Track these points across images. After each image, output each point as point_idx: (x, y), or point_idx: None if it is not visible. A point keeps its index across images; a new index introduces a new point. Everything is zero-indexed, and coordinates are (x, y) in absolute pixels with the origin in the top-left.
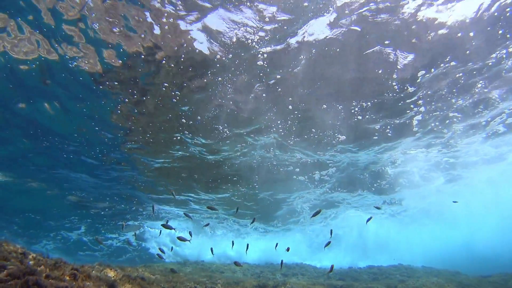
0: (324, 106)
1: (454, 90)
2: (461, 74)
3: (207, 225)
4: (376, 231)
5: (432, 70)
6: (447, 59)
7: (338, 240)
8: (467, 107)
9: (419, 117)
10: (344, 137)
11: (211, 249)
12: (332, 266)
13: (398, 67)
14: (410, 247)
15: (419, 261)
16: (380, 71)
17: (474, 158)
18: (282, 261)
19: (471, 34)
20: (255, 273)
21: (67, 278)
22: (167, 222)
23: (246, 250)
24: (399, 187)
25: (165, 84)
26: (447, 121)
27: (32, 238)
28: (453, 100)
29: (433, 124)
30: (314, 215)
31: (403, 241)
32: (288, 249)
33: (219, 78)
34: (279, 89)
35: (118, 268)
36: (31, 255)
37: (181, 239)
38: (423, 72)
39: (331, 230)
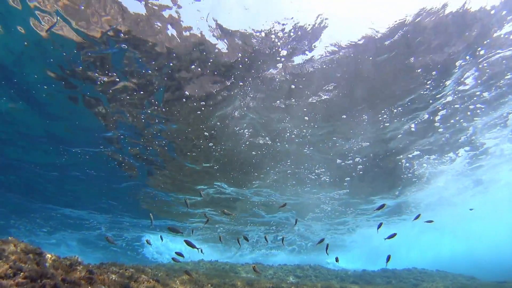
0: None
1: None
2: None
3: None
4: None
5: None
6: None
7: (345, 247)
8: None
9: (443, 112)
10: (368, 143)
11: (238, 239)
12: (389, 256)
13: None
14: (421, 252)
15: (423, 265)
16: (419, 70)
17: (498, 160)
18: (327, 244)
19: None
20: (268, 274)
21: (83, 282)
22: (207, 221)
23: (283, 241)
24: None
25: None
26: (470, 116)
27: (52, 228)
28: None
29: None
30: (379, 208)
31: (412, 247)
32: (337, 259)
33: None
34: None
35: (133, 268)
36: (48, 255)
37: (188, 243)
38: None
39: (381, 223)
